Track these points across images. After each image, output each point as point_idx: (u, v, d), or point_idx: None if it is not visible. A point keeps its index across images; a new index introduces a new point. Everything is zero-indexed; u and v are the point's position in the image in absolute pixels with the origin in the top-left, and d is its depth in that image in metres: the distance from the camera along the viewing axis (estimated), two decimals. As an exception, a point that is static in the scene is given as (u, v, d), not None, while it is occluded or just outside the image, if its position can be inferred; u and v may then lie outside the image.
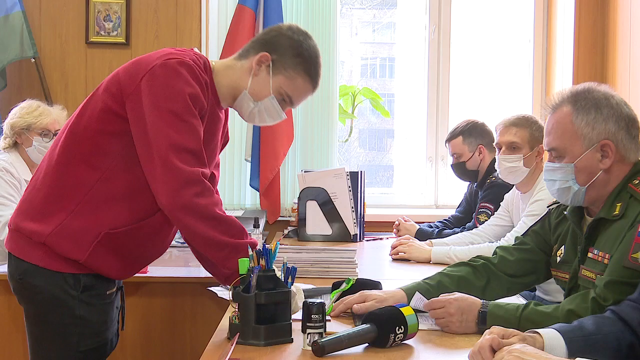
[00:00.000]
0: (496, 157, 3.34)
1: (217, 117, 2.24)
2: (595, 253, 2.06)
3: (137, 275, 2.46)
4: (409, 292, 2.19)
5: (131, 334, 2.79)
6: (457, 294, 2.09)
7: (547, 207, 2.40)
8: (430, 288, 2.24)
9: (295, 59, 2.16)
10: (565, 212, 2.25)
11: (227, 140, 2.45)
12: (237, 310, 1.84)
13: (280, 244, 3.51)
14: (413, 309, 1.90)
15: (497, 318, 1.97)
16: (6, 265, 2.21)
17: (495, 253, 2.42)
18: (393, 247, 3.36)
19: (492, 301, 2.09)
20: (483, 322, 1.98)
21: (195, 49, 2.26)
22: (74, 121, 2.15)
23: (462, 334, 1.98)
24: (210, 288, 2.60)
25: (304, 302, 1.79)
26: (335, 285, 2.25)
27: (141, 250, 2.21)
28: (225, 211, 4.09)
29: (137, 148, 2.05)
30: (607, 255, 2.02)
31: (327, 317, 1.94)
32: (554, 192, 2.17)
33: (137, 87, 2.04)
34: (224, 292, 2.49)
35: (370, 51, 5.46)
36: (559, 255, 2.28)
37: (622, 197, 2.07)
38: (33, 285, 2.11)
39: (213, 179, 2.27)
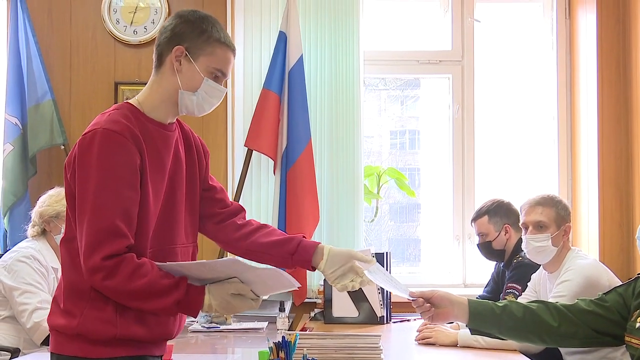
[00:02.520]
0: (523, 237, 3.31)
1: (166, 146, 2.23)
2: None
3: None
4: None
5: None
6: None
7: (638, 274, 2.48)
8: (495, 308, 2.41)
9: (202, 36, 2.19)
10: None
11: (207, 152, 2.44)
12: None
13: (305, 328, 3.49)
14: None
15: None
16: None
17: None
18: (419, 332, 3.30)
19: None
20: None
21: (132, 102, 2.25)
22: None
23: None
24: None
25: None
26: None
27: None
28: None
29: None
30: None
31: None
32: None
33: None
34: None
35: (399, 124, 5.49)
36: (638, 322, 2.31)
37: None
38: None
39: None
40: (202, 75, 2.19)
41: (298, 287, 2.19)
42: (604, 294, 2.52)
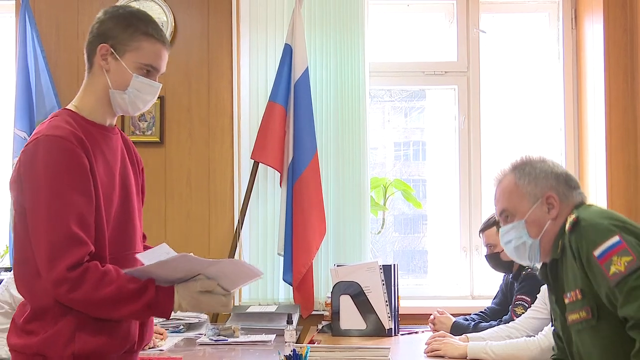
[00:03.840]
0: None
1: (111, 148, 2.18)
2: (569, 296, 2.26)
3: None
4: None
5: None
6: None
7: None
8: None
9: (127, 30, 2.13)
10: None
11: (140, 164, 2.38)
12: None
13: (313, 341, 3.46)
14: None
15: None
16: None
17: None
18: (427, 344, 3.30)
19: None
20: None
21: (70, 107, 2.19)
22: None
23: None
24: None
25: None
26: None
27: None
28: (259, 305, 4.09)
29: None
30: (575, 291, 2.23)
31: None
32: (512, 253, 2.43)
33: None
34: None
35: (403, 136, 5.48)
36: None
37: (561, 236, 2.32)
38: None
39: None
40: (130, 72, 2.14)
41: (261, 276, 2.17)
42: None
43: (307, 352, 1.91)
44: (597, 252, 2.13)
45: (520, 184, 2.39)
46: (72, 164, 2.01)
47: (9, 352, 2.10)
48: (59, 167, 1.99)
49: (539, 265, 2.49)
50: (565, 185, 2.38)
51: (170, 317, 2.10)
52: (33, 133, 2.09)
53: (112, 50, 2.14)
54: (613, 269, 2.05)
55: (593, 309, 2.18)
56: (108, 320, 2.08)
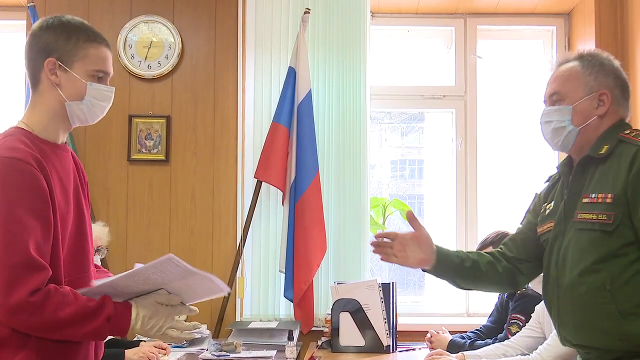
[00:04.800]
0: None
1: (64, 168, 2.10)
2: (593, 197, 2.19)
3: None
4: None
5: None
6: None
7: (535, 193, 2.58)
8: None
9: (70, 40, 2.06)
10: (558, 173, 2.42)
11: (86, 180, 2.28)
12: None
13: (313, 357, 3.50)
14: None
15: None
16: None
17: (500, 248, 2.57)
18: (425, 361, 3.32)
19: None
20: None
21: (21, 125, 2.08)
22: None
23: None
24: None
25: None
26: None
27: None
28: (260, 322, 4.10)
29: None
30: (605, 194, 2.15)
31: None
32: (548, 133, 2.34)
33: None
34: None
35: (400, 154, 5.53)
36: (548, 209, 2.41)
37: (610, 140, 2.24)
38: None
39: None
40: (83, 81, 2.07)
41: (228, 293, 2.14)
42: (520, 223, 2.60)
43: None
44: None
45: (581, 72, 2.30)
46: (31, 187, 1.92)
47: None
48: (17, 191, 1.90)
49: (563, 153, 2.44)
50: (620, 89, 2.30)
51: (127, 335, 2.02)
52: None
53: (60, 63, 2.05)
54: None
55: (617, 217, 2.12)
56: (66, 346, 2.02)
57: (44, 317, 1.88)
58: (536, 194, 2.59)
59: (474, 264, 2.48)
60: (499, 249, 2.57)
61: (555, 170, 2.50)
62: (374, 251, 2.47)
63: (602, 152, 2.23)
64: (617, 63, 2.35)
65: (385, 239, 2.45)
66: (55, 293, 1.91)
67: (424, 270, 2.51)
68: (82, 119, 2.13)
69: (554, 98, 2.33)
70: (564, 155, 2.44)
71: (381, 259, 2.46)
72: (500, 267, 2.51)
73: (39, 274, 1.89)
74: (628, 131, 2.25)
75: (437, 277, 2.53)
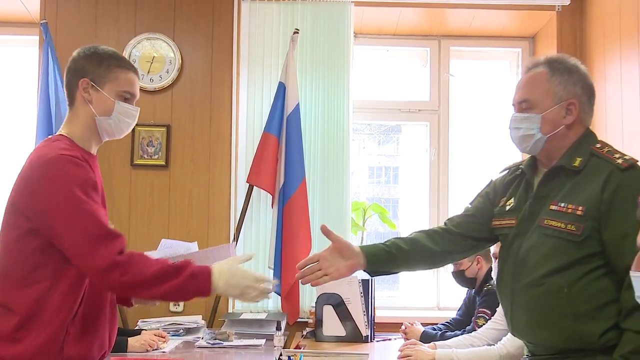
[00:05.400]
0: (492, 266, 3.33)
1: (96, 174, 2.19)
2: (562, 205, 2.11)
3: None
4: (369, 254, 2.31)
5: None
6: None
7: (490, 179, 2.48)
8: (385, 247, 2.36)
9: (102, 65, 2.18)
10: (520, 168, 2.33)
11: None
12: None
13: (299, 346, 3.51)
14: None
15: None
16: None
17: (445, 224, 2.46)
18: (400, 351, 3.34)
19: None
20: None
21: (63, 133, 2.20)
22: None
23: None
24: None
25: None
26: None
27: (96, 317, 2.14)
28: (250, 313, 4.10)
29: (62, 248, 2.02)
30: (575, 206, 2.07)
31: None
32: (517, 138, 2.22)
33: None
34: None
35: (377, 161, 5.55)
36: (509, 205, 2.31)
37: (581, 153, 2.15)
38: None
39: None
40: (112, 100, 2.18)
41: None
42: (469, 203, 2.50)
43: (300, 358, 1.96)
44: None
45: (550, 80, 2.17)
46: (88, 180, 2.04)
47: None
48: (78, 180, 2.01)
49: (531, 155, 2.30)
50: (587, 97, 2.20)
51: (210, 293, 2.08)
52: (40, 152, 2.07)
53: (93, 83, 2.17)
54: None
55: (585, 229, 2.05)
56: (88, 328, 2.07)
57: (133, 274, 1.96)
58: (491, 180, 2.49)
59: (412, 246, 2.38)
60: (444, 224, 2.48)
61: (511, 163, 2.45)
62: (303, 282, 2.33)
63: (576, 165, 2.14)
64: (584, 69, 2.25)
65: (309, 265, 2.32)
66: (138, 255, 2.02)
67: (369, 274, 2.42)
68: (110, 133, 2.24)
69: (524, 106, 2.21)
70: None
71: (312, 285, 2.33)
72: (443, 241, 2.40)
73: (118, 240, 2.00)
74: (599, 145, 2.17)
75: (382, 273, 2.44)
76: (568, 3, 4.46)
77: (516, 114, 2.23)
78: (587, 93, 2.21)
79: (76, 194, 1.99)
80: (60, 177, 2.00)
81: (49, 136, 2.21)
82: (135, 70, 2.26)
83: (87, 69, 2.19)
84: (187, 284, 2.02)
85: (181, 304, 4.29)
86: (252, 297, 2.14)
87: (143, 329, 3.75)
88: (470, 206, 2.50)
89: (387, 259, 2.36)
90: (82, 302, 2.07)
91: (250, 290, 2.12)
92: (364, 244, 4.78)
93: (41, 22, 4.38)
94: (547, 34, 4.63)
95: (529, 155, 2.33)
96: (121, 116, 2.21)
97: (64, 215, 1.98)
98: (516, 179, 2.37)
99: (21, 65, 4.85)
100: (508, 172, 2.45)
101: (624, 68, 3.95)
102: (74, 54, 2.25)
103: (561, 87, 2.18)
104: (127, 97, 2.22)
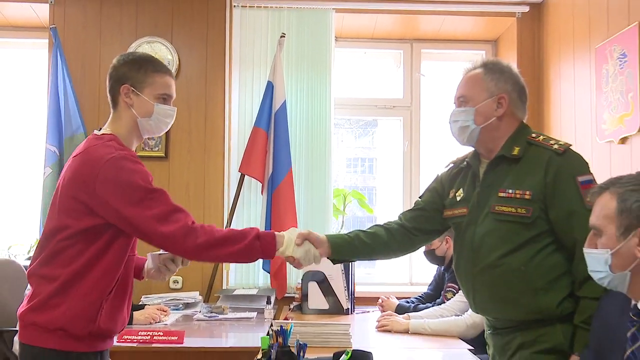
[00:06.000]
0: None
1: None
2: (510, 192, 2.13)
3: (175, 345, 2.48)
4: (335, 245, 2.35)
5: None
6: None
7: (437, 174, 2.50)
8: (348, 238, 2.39)
9: (140, 70, 2.16)
10: (464, 163, 2.35)
11: None
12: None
13: (287, 318, 3.56)
14: None
15: None
16: None
17: (400, 219, 2.47)
18: (378, 321, 3.38)
19: None
20: None
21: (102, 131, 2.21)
22: None
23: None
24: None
25: None
26: (336, 356, 2.26)
27: (124, 296, 2.16)
28: (242, 289, 4.13)
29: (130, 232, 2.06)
30: (523, 191, 2.10)
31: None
32: (456, 130, 2.26)
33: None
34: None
35: (354, 153, 5.58)
36: (459, 195, 2.33)
37: (519, 143, 2.18)
38: None
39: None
40: (152, 103, 2.15)
41: None
42: (419, 197, 2.51)
43: (291, 328, 2.00)
44: (581, 179, 2.06)
45: (484, 78, 2.21)
46: (148, 173, 2.07)
47: None
48: (143, 174, 2.03)
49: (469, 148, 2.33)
50: (518, 94, 2.23)
51: (275, 254, 2.17)
52: (97, 153, 2.05)
53: (133, 89, 2.15)
54: (588, 198, 1.86)
55: (535, 211, 2.09)
56: (117, 302, 2.08)
57: (207, 236, 2.02)
58: (438, 174, 2.50)
59: (373, 240, 2.41)
60: (398, 220, 2.48)
61: (455, 157, 2.46)
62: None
63: (515, 153, 2.17)
64: (516, 70, 2.27)
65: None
66: (206, 224, 2.07)
67: (333, 262, 2.46)
68: (151, 132, 2.22)
69: (461, 100, 2.24)
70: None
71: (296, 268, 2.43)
72: (399, 236, 2.43)
73: (187, 212, 2.07)
74: (534, 134, 2.21)
75: (341, 261, 2.50)
76: (527, 10, 4.53)
77: (455, 108, 2.27)
78: (518, 90, 2.24)
79: (143, 185, 2.01)
80: (126, 172, 2.00)
81: (96, 133, 2.19)
82: (170, 73, 2.23)
83: (127, 76, 2.16)
84: (255, 244, 2.10)
85: (180, 281, 4.32)
86: (312, 257, 2.27)
87: (146, 304, 3.78)
88: (420, 200, 2.50)
89: (348, 250, 2.40)
90: (118, 281, 2.08)
91: (309, 254, 2.26)
92: (345, 227, 4.85)
93: (51, 26, 4.37)
94: (508, 38, 4.68)
95: (473, 150, 2.36)
96: (160, 117, 2.19)
97: (137, 204, 1.98)
98: (462, 172, 2.38)
99: (32, 67, 4.84)
100: (454, 165, 2.45)
101: (577, 68, 4.01)
102: (114, 61, 2.22)
103: (493, 84, 2.21)
104: (164, 98, 2.19)
